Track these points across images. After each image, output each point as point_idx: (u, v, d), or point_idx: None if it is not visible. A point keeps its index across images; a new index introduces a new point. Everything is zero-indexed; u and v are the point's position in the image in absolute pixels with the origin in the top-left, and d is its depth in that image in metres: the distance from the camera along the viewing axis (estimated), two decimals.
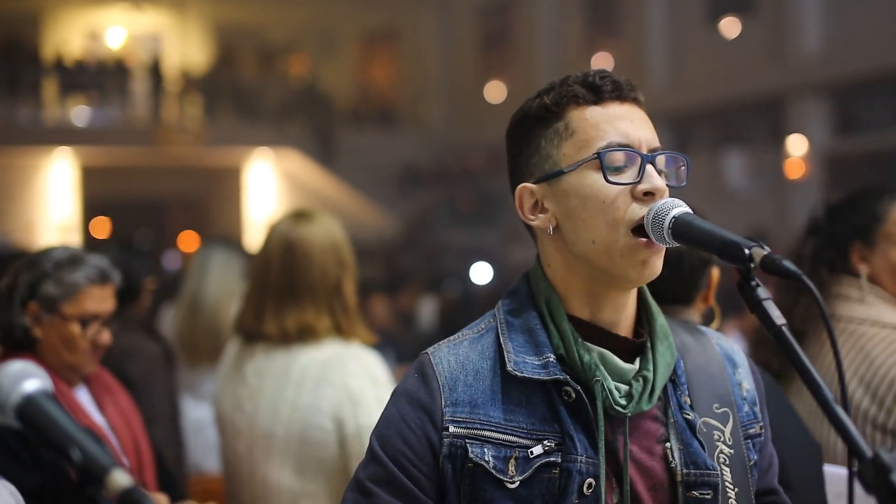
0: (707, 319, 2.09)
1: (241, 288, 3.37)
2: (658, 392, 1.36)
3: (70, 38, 19.63)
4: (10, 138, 16.60)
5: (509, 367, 1.35)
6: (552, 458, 1.31)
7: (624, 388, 1.34)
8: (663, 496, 1.35)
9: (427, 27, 21.80)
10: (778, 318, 1.17)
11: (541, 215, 1.38)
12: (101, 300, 2.23)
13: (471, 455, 1.32)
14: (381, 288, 8.58)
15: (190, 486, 3.30)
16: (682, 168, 1.38)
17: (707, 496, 1.35)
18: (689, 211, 1.30)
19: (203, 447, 3.75)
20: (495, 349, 1.39)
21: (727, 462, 1.38)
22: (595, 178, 1.32)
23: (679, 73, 16.26)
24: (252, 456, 2.45)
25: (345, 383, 2.36)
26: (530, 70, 18.48)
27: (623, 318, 1.39)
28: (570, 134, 1.35)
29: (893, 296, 2.31)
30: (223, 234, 14.97)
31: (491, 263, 10.76)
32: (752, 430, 1.44)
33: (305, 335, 2.42)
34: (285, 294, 2.44)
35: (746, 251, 1.20)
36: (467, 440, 1.33)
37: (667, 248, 1.33)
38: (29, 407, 1.12)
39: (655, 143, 1.35)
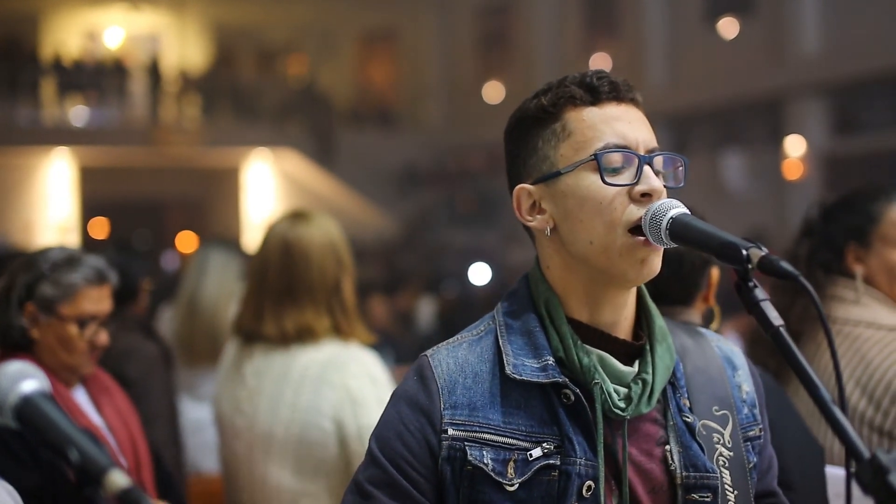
0: (707, 320, 2.08)
1: (240, 288, 3.37)
2: (657, 394, 1.35)
3: (68, 38, 19.62)
4: (9, 138, 16.58)
5: (508, 369, 1.35)
6: (551, 461, 1.31)
7: (623, 390, 1.34)
8: (663, 499, 1.35)
9: (426, 27, 21.79)
10: (775, 318, 1.17)
11: (538, 216, 1.38)
12: (98, 301, 2.23)
13: (470, 458, 1.32)
14: (380, 288, 8.59)
15: (189, 487, 3.30)
16: (680, 169, 1.37)
17: (706, 499, 1.34)
18: (687, 212, 1.29)
19: (202, 448, 3.75)
20: (494, 352, 1.39)
21: (726, 465, 1.38)
22: (592, 180, 1.31)
23: (678, 74, 16.27)
24: (251, 456, 2.45)
25: (344, 384, 2.36)
26: (529, 70, 18.48)
27: (622, 319, 1.38)
28: (567, 135, 1.34)
29: (889, 297, 2.29)
30: (221, 234, 14.99)
31: (490, 264, 10.76)
32: (751, 433, 1.44)
33: (304, 336, 2.42)
34: (284, 295, 2.44)
35: (744, 252, 1.20)
36: (466, 443, 1.33)
37: (666, 249, 1.33)
38: (27, 407, 1.12)
39: (653, 143, 1.35)
